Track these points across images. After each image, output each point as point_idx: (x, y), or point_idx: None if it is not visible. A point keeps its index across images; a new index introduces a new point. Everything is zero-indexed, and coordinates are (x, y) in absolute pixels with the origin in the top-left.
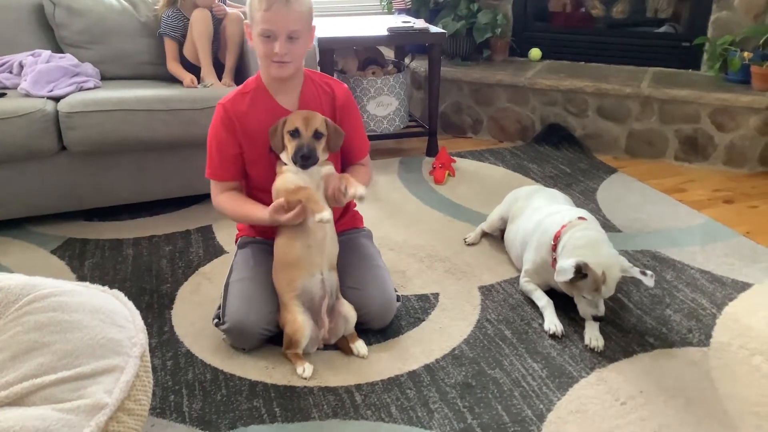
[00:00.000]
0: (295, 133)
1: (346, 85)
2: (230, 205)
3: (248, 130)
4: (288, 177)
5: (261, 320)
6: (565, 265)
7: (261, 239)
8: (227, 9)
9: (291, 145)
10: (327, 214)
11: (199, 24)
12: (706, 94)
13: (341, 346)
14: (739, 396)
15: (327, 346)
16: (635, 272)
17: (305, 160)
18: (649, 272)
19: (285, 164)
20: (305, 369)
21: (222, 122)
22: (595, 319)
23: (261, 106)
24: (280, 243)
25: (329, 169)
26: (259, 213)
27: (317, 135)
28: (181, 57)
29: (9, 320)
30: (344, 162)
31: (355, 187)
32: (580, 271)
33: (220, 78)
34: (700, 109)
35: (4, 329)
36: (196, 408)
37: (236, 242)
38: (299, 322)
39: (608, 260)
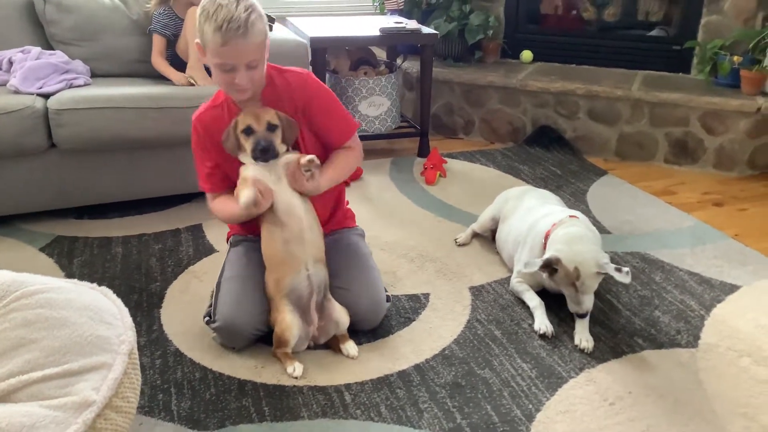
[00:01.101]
0: (248, 131)
1: (305, 71)
2: (219, 209)
3: (219, 143)
4: (245, 172)
5: (252, 321)
6: (537, 259)
7: (252, 237)
8: None
9: (248, 143)
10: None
11: (194, 21)
12: (696, 98)
13: (331, 345)
14: (727, 397)
15: (317, 345)
16: (610, 269)
17: (265, 153)
18: (624, 268)
19: (243, 164)
20: (295, 368)
21: (195, 139)
22: (578, 315)
23: (229, 118)
24: (263, 243)
25: (287, 158)
26: (237, 210)
27: (271, 127)
28: (173, 54)
29: None
30: (328, 149)
31: (304, 157)
32: (551, 265)
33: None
34: (690, 112)
35: None
36: (184, 407)
37: (228, 240)
38: (287, 321)
39: (581, 256)
